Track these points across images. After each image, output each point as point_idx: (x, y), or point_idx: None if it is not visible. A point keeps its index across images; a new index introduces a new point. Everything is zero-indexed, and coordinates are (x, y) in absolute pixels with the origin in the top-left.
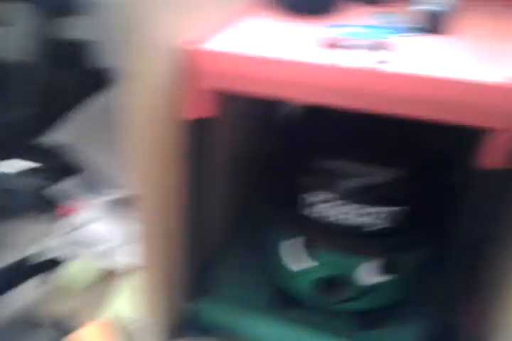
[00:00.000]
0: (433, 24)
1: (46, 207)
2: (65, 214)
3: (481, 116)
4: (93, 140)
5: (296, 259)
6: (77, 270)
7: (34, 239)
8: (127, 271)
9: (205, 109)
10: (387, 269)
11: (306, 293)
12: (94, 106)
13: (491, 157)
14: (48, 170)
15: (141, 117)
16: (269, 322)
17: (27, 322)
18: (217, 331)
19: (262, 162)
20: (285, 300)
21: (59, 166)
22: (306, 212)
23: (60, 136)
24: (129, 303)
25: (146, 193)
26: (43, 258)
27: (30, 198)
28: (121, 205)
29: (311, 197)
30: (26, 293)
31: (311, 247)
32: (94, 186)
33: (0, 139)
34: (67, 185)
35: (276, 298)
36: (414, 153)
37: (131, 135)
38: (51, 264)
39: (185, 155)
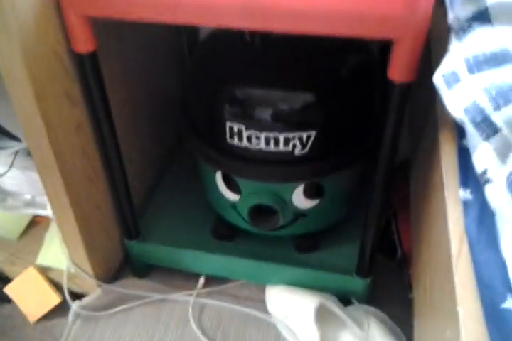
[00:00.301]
0: None
1: None
2: None
3: (379, 27)
4: None
5: (227, 190)
6: (7, 218)
7: None
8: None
9: (89, 41)
10: (314, 194)
11: (243, 222)
12: None
13: (398, 70)
14: None
15: (18, 57)
16: (210, 254)
17: None
18: (159, 267)
19: (177, 93)
20: (225, 230)
21: None
22: (225, 143)
23: None
24: (63, 249)
25: (43, 140)
26: None
27: None
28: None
29: (227, 128)
30: None
31: (235, 177)
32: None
33: None
34: None
35: (217, 228)
36: (328, 73)
37: (13, 79)
38: None
39: (81, 93)
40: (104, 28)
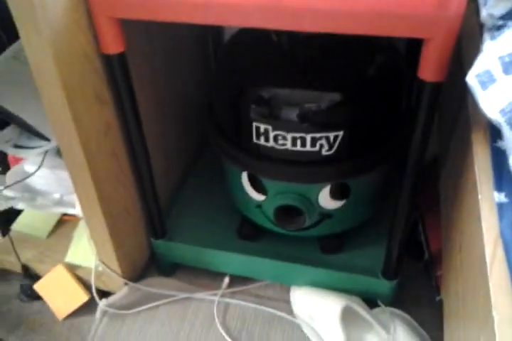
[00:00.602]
0: None
1: None
2: (14, 163)
3: (410, 26)
4: (16, 92)
5: (253, 190)
6: (37, 217)
7: None
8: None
9: (118, 42)
10: (340, 194)
11: (268, 223)
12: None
13: (429, 70)
14: None
15: (50, 60)
16: (235, 254)
17: None
18: (184, 267)
19: (203, 95)
20: (250, 230)
21: None
22: (251, 143)
23: None
24: (91, 247)
25: (74, 141)
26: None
27: None
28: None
29: (253, 128)
30: None
31: (262, 178)
32: (28, 137)
33: None
34: (8, 134)
35: (242, 229)
36: (355, 72)
37: (44, 80)
38: (9, 213)
39: (111, 95)
40: (131, 28)
